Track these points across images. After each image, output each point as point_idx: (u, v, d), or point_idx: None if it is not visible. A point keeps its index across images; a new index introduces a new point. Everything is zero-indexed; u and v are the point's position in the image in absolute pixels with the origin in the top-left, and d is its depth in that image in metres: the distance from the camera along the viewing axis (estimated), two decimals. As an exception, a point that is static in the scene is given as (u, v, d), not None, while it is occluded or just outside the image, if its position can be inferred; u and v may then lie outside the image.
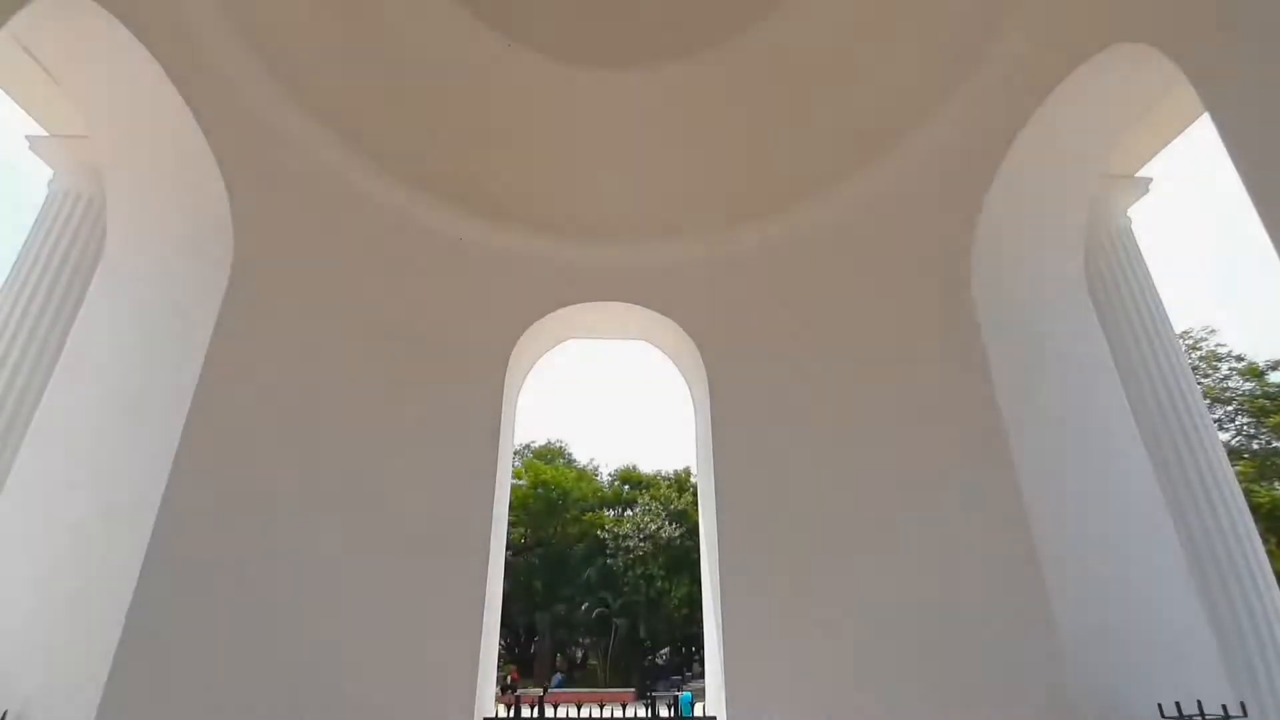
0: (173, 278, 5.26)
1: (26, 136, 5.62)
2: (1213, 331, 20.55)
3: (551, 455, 38.93)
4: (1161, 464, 5.12)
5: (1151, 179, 5.90)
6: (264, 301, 5.17)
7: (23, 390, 5.06)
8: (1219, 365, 20.05)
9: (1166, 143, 5.58)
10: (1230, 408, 19.42)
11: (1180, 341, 5.91)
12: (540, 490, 33.87)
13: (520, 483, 33.07)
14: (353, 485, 5.18)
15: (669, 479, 35.95)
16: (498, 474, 5.70)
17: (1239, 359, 19.97)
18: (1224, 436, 19.06)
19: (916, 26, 5.12)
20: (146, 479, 4.38)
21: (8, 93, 5.34)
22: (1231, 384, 19.77)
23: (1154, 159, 5.80)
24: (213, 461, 4.56)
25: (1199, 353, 20.35)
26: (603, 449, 74.04)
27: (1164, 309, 5.67)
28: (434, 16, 6.18)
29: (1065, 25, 4.04)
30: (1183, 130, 5.48)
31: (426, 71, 6.30)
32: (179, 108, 4.77)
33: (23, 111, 5.54)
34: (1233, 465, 5.42)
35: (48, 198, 5.61)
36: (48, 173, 5.74)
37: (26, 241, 5.53)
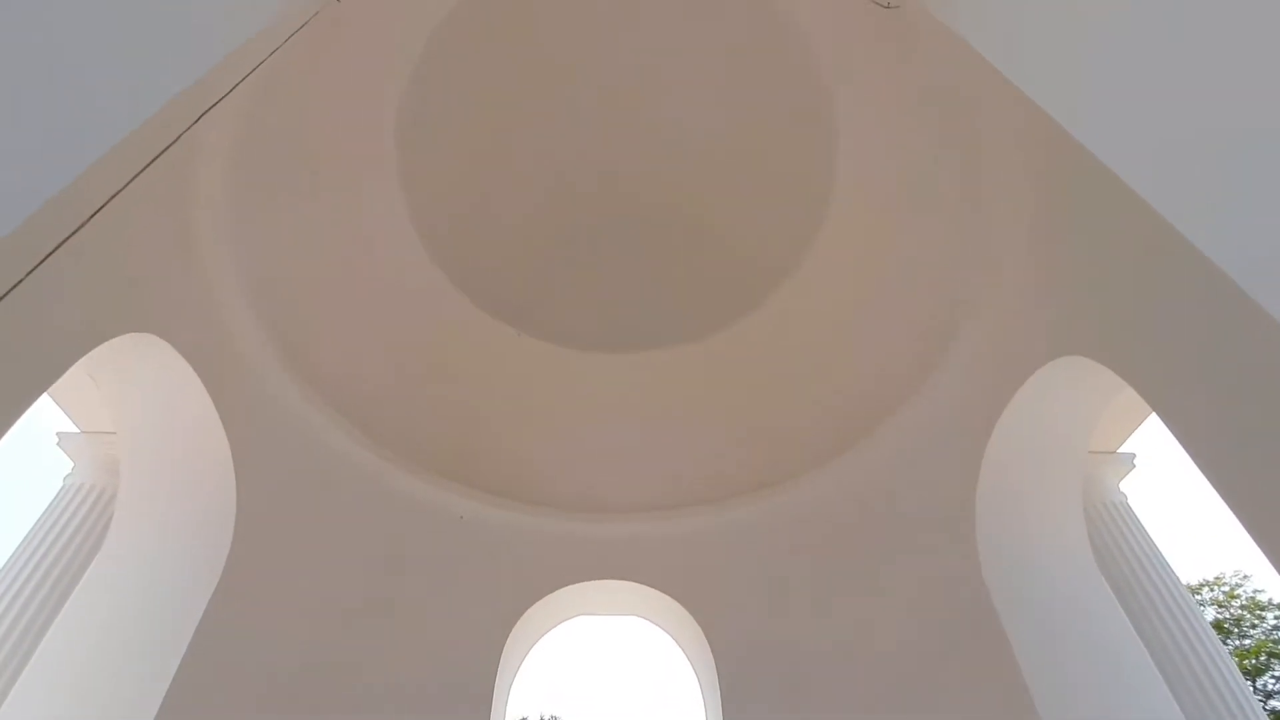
0: (169, 564, 5.23)
1: (58, 433, 5.94)
2: (1246, 577, 19.55)
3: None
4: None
5: (1135, 454, 6.12)
6: (259, 584, 5.12)
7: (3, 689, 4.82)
8: (1264, 615, 18.73)
9: (1145, 418, 5.88)
10: (1292, 662, 17.75)
11: (1207, 593, 5.65)
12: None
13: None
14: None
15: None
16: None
17: (1285, 605, 18.72)
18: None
19: (888, 324, 5.72)
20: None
21: (50, 394, 5.79)
22: (1283, 634, 18.30)
23: (1140, 431, 6.05)
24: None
25: (1238, 601, 19.15)
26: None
27: (1178, 580, 5.54)
28: (443, 309, 6.91)
29: (1012, 339, 4.51)
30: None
31: (433, 356, 6.85)
32: (206, 405, 5.13)
33: (57, 409, 5.94)
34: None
35: (62, 490, 5.78)
36: (60, 463, 5.99)
37: (31, 532, 5.58)
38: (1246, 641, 18.29)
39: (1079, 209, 3.05)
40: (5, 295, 1.50)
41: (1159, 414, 3.36)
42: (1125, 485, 6.15)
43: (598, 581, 6.33)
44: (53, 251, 1.69)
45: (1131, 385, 3.45)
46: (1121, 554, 5.60)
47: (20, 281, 1.60)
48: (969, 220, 4.86)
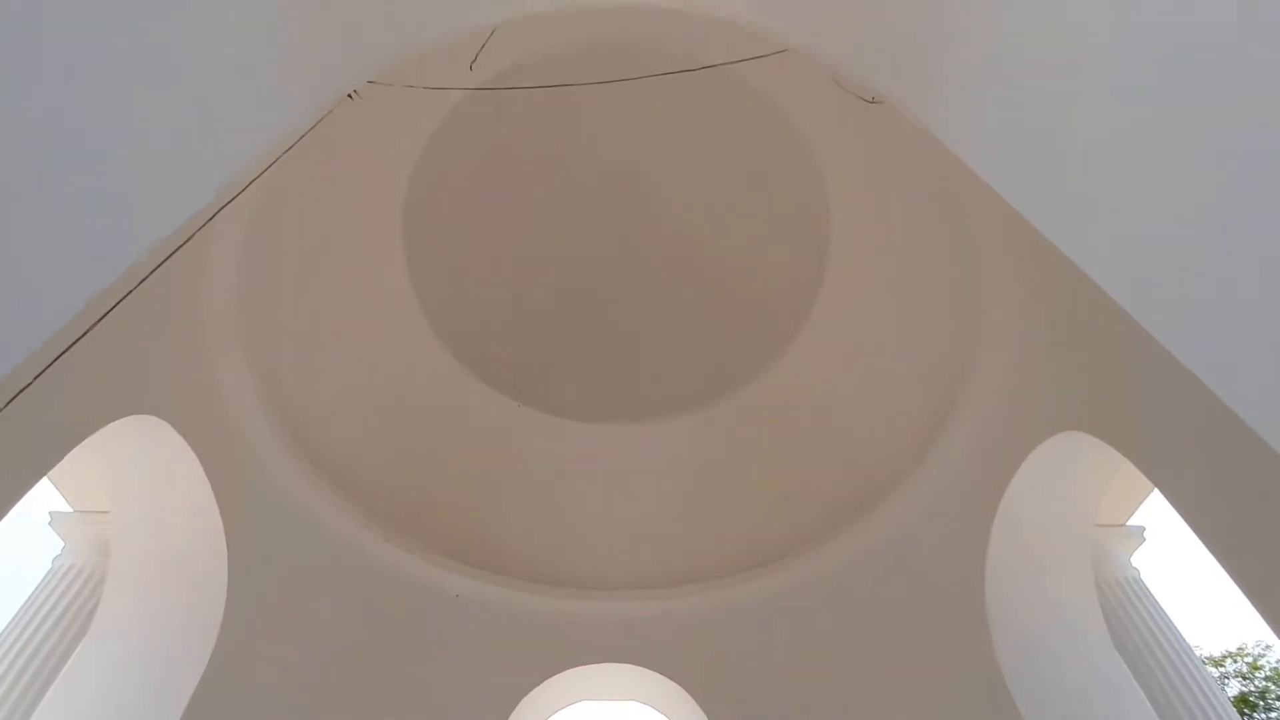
0: (156, 651, 5.07)
1: (50, 512, 5.87)
2: (1268, 647, 18.89)
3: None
4: None
5: (1144, 527, 6.03)
6: (247, 670, 4.96)
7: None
8: (1291, 687, 18.01)
9: (1153, 490, 5.81)
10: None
11: (1230, 665, 5.44)
12: None
13: None
14: None
15: None
16: None
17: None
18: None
19: (884, 400, 5.73)
20: None
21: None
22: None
23: (1149, 502, 5.96)
24: None
25: (1262, 672, 18.45)
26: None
27: (1195, 657, 5.37)
28: (446, 385, 6.93)
29: (1011, 415, 4.52)
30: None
31: (435, 433, 6.83)
32: (202, 486, 5.07)
33: (51, 487, 5.87)
34: None
35: (50, 572, 5.65)
36: (50, 543, 5.88)
37: (18, 614, 5.44)
38: (1273, 714, 17.53)
39: (1070, 292, 3.11)
40: (18, 395, 1.52)
41: (1159, 487, 3.33)
42: (1137, 559, 6.04)
43: (598, 665, 6.12)
44: (67, 349, 1.72)
45: (1130, 459, 3.44)
46: (1137, 631, 5.43)
47: (35, 379, 1.62)
48: (964, 296, 4.94)
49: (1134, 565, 5.98)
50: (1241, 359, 1.45)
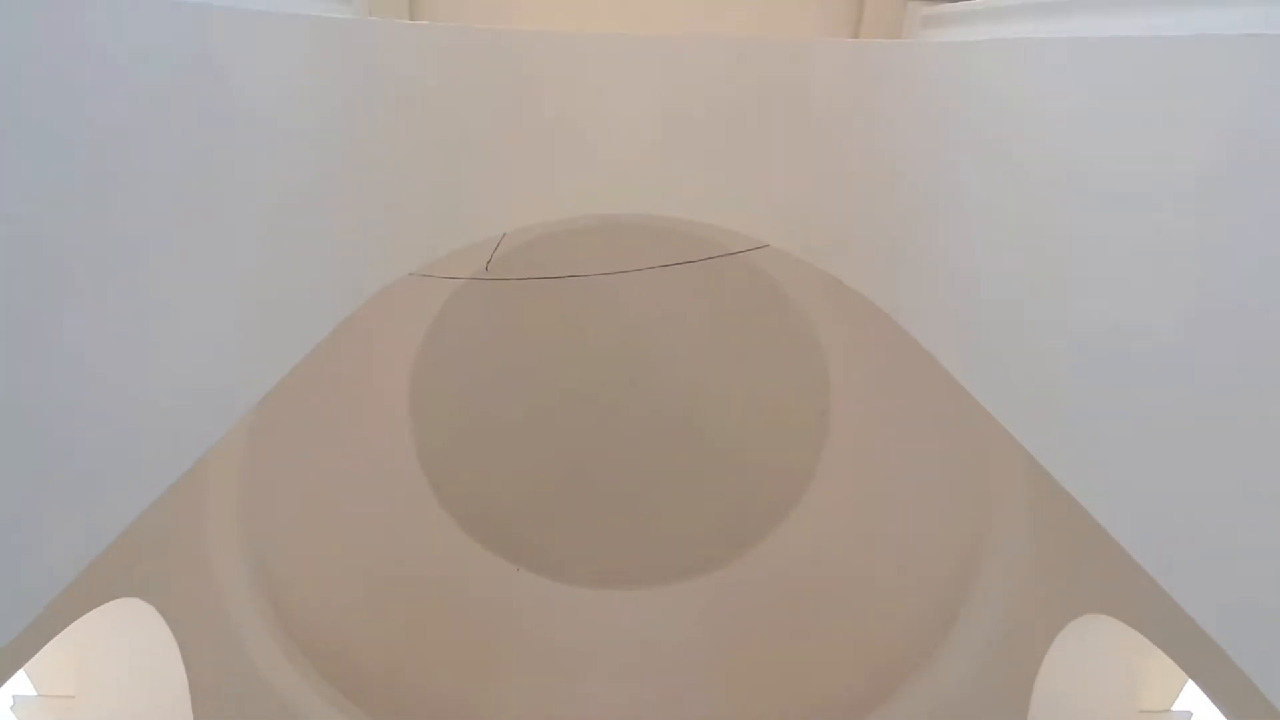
0: None
1: (13, 696, 5.48)
2: None
3: None
4: None
5: (1191, 712, 5.54)
6: None
7: None
8: None
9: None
10: None
11: None
12: None
13: None
14: None
15: None
16: None
17: None
18: None
19: (897, 574, 5.55)
20: None
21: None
22: None
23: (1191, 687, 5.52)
24: None
25: None
26: None
27: None
28: (447, 552, 6.76)
29: (1030, 600, 4.34)
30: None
31: (432, 607, 6.56)
32: (179, 675, 4.76)
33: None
34: None
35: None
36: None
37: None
38: None
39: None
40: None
41: (1189, 675, 3.13)
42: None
43: None
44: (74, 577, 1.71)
45: (1157, 645, 3.25)
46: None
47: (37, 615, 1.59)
48: (973, 487, 4.93)
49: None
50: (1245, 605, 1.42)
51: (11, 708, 5.51)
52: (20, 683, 5.65)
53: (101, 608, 3.94)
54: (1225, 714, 2.93)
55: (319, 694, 5.46)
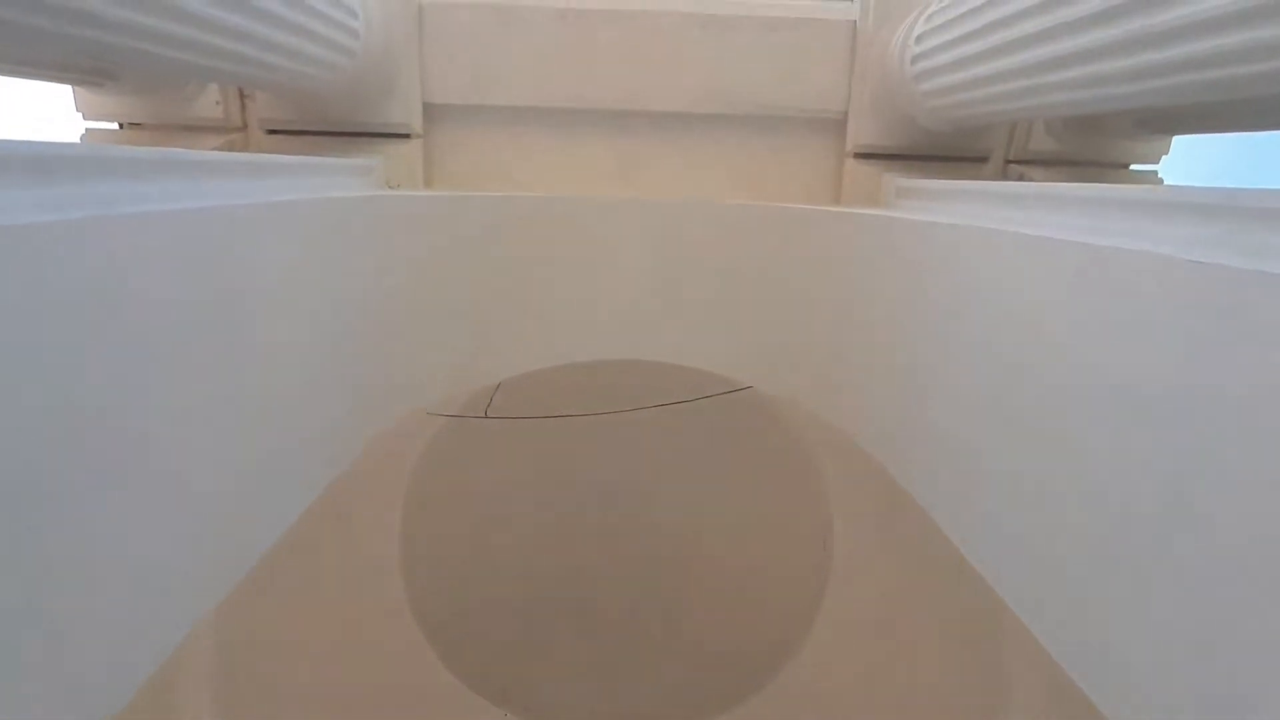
0: None
1: None
2: None
3: None
4: None
5: None
6: None
7: None
8: None
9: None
10: None
11: None
12: None
13: None
14: None
15: None
16: None
17: None
18: None
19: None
20: None
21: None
22: None
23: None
24: None
25: None
26: None
27: None
28: (434, 697, 6.49)
29: None
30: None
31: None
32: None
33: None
34: None
35: None
36: None
37: None
38: None
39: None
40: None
41: None
42: None
43: None
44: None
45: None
46: None
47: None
48: (982, 657, 4.78)
49: None
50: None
51: None
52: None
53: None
54: None
55: None
